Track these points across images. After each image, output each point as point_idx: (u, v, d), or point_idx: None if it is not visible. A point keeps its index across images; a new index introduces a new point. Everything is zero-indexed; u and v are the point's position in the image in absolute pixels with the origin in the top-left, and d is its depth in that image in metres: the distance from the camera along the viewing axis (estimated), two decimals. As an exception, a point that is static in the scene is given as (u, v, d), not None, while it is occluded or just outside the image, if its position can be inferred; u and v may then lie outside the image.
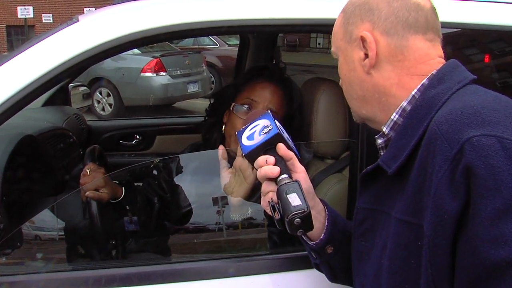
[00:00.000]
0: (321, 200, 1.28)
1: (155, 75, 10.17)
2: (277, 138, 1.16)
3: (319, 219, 1.24)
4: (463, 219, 0.88)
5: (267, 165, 1.15)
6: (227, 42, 14.15)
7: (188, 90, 10.69)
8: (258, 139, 1.17)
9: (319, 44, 21.76)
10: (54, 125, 2.56)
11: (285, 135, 1.20)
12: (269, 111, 1.24)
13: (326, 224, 1.25)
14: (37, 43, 1.40)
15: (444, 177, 0.90)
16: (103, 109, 10.38)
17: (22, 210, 1.82)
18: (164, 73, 10.25)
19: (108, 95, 10.32)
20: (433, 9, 1.13)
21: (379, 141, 1.15)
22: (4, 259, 1.50)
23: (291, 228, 1.07)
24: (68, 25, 1.41)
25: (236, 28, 1.71)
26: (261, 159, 1.17)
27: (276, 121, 1.20)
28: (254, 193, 1.62)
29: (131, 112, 9.58)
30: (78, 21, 1.43)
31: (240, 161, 1.63)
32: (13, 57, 1.39)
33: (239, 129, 1.85)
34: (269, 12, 1.51)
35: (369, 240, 1.16)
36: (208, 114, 2.13)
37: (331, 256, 1.27)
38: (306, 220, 1.07)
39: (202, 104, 11.15)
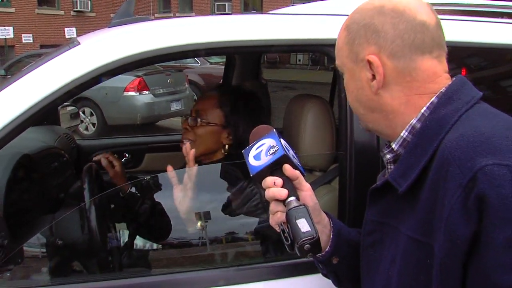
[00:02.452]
0: (326, 213, 1.31)
1: (138, 94, 10.22)
2: (284, 159, 1.17)
3: (325, 232, 1.28)
4: (475, 244, 0.91)
5: (275, 187, 1.16)
6: (209, 60, 14.27)
7: (171, 109, 10.77)
8: (265, 159, 1.18)
9: (299, 60, 21.90)
10: (47, 144, 2.61)
11: (291, 153, 1.22)
12: (274, 130, 1.24)
13: (331, 236, 1.28)
14: (40, 65, 1.47)
15: (457, 203, 0.92)
16: (86, 129, 10.38)
17: (21, 227, 1.87)
18: (147, 92, 10.31)
19: (91, 114, 10.33)
20: (438, 24, 1.12)
21: (388, 156, 1.18)
22: (8, 274, 1.55)
23: (301, 252, 1.10)
24: (70, 48, 1.48)
25: (228, 49, 1.80)
26: (269, 180, 1.16)
27: (281, 139, 1.21)
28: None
29: (115, 132, 9.58)
30: (79, 43, 1.51)
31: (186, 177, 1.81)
32: (19, 79, 1.46)
33: (183, 136, 2.02)
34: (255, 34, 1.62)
35: (377, 251, 1.19)
36: None
37: (337, 266, 1.30)
38: (315, 244, 1.09)
39: (185, 122, 11.21)
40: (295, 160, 1.20)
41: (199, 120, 2.05)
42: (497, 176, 0.89)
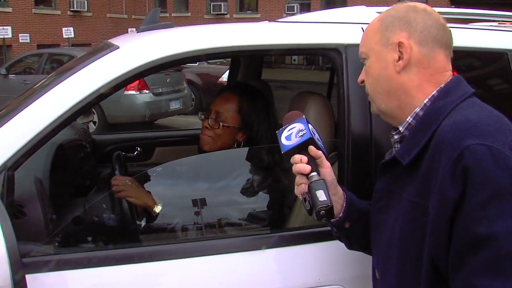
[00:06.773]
0: (341, 187, 1.57)
1: (138, 93, 10.41)
2: (309, 141, 1.42)
3: (340, 202, 1.54)
4: (460, 204, 1.15)
5: (301, 163, 1.42)
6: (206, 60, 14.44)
7: (171, 107, 11.01)
8: (294, 140, 1.43)
9: (294, 60, 22.01)
10: (72, 137, 2.87)
11: (316, 136, 1.46)
12: (303, 116, 1.48)
13: (344, 205, 1.54)
14: (85, 66, 1.72)
15: (448, 172, 1.16)
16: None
17: (59, 207, 2.13)
18: (147, 91, 10.51)
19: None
20: (451, 33, 1.41)
21: (396, 136, 1.43)
22: (57, 244, 1.81)
23: (317, 217, 1.36)
24: (111, 51, 1.74)
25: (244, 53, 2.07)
26: (297, 157, 1.42)
27: (309, 124, 1.46)
28: None
29: (115, 130, 9.79)
30: (119, 47, 1.77)
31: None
32: (66, 79, 1.70)
33: (203, 132, 2.27)
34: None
35: (384, 214, 1.44)
36: None
37: (348, 230, 1.57)
38: (330, 211, 1.36)
39: (184, 120, 11.45)
40: (319, 143, 1.47)
41: (221, 123, 2.30)
42: (479, 152, 1.14)
